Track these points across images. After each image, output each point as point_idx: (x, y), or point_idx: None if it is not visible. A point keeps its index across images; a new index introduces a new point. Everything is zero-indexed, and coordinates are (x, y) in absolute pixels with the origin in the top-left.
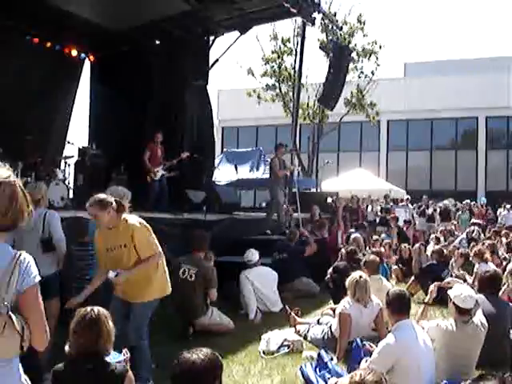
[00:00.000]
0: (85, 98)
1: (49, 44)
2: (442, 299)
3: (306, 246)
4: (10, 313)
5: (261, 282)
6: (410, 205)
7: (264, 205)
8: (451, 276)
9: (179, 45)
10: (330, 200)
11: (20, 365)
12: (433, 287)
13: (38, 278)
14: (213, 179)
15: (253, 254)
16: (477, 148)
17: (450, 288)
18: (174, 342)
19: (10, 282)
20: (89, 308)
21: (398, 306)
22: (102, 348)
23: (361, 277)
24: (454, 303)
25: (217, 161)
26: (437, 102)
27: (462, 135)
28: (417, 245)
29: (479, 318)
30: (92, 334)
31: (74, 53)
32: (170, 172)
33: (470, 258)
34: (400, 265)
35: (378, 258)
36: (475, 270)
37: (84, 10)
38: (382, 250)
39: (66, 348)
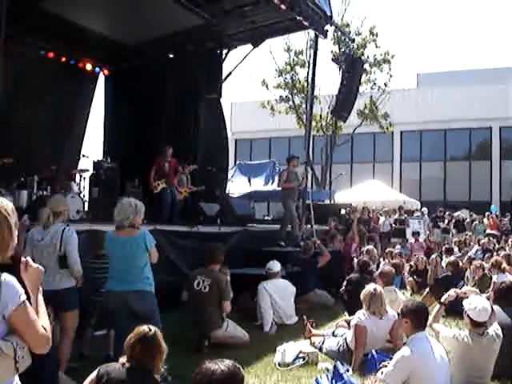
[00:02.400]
0: (99, 112)
1: (64, 58)
2: (457, 311)
3: (319, 257)
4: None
5: (279, 295)
6: (426, 216)
7: (277, 217)
8: None
9: (192, 58)
10: (343, 212)
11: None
12: (452, 292)
13: (23, 297)
14: (226, 192)
15: (274, 264)
16: (491, 158)
17: (466, 298)
18: (189, 354)
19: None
20: (146, 325)
21: (418, 319)
22: (156, 365)
23: (375, 289)
24: (468, 316)
25: (230, 173)
26: (450, 112)
27: (475, 146)
28: (433, 256)
29: (495, 328)
30: (151, 351)
31: (89, 67)
32: (197, 187)
33: (486, 270)
34: (415, 276)
35: (393, 270)
36: (494, 280)
37: (98, 25)
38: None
39: (125, 359)
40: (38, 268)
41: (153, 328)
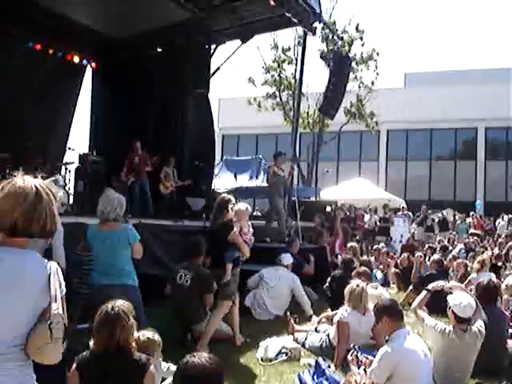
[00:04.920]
0: (86, 105)
1: (51, 51)
2: (439, 308)
3: (305, 263)
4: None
5: (275, 283)
6: (410, 214)
7: (263, 213)
8: None
9: (181, 53)
10: (329, 209)
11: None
12: (441, 282)
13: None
14: (213, 187)
15: (286, 256)
16: (476, 158)
17: (451, 293)
18: (173, 347)
19: (56, 291)
20: (109, 304)
21: (394, 314)
22: (124, 343)
23: (358, 285)
24: (452, 311)
25: (217, 169)
26: (437, 112)
27: (461, 145)
28: (417, 254)
29: (478, 325)
30: (112, 330)
31: (76, 59)
32: (183, 181)
33: (469, 268)
34: (399, 273)
35: (367, 269)
36: (470, 278)
37: (87, 18)
38: (372, 258)
39: (91, 343)
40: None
41: (117, 305)
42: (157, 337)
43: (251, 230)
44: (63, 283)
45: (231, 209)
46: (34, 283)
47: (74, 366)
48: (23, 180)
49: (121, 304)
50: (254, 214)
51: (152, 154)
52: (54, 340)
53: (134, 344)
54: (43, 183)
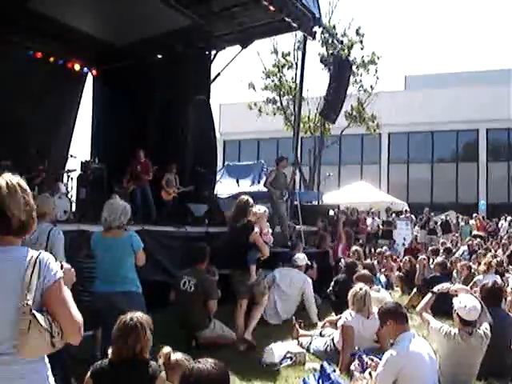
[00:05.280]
0: (87, 112)
1: (52, 58)
2: (443, 310)
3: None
4: (34, 311)
5: (286, 284)
6: (413, 217)
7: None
8: None
9: (181, 59)
10: (332, 213)
11: (49, 370)
12: (446, 284)
13: (60, 274)
14: (215, 192)
15: (299, 257)
16: (478, 160)
17: (456, 295)
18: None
19: (31, 282)
20: (129, 315)
21: (398, 318)
22: (140, 354)
23: (361, 289)
24: (458, 314)
25: (218, 174)
26: (437, 114)
27: (462, 147)
28: (421, 256)
29: (484, 327)
30: (130, 341)
31: (77, 67)
32: (185, 187)
33: (473, 270)
34: (403, 276)
35: (368, 272)
36: (475, 280)
37: (86, 25)
38: (375, 262)
39: (109, 351)
40: (71, 269)
41: (135, 317)
42: (186, 363)
43: (270, 230)
44: (50, 273)
45: (251, 211)
46: (15, 280)
47: (89, 374)
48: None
49: (140, 316)
50: None
51: (153, 162)
52: (21, 332)
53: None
54: (18, 180)
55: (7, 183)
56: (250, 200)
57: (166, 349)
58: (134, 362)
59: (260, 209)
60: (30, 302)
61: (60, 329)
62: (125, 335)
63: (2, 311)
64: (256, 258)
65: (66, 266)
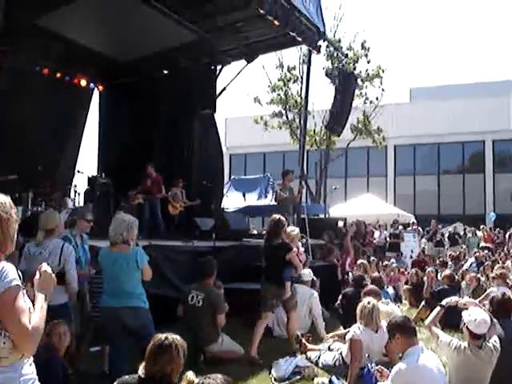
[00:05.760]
0: (94, 127)
1: (59, 74)
2: (452, 324)
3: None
4: None
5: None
6: (420, 229)
7: None
8: None
9: (187, 74)
10: (341, 224)
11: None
12: (455, 298)
13: (16, 282)
14: (221, 206)
15: (305, 273)
16: (484, 171)
17: (466, 309)
18: (185, 369)
19: None
20: (165, 335)
21: (407, 331)
22: (169, 376)
23: (369, 303)
24: (467, 328)
25: (225, 188)
26: (443, 126)
27: (469, 159)
28: (428, 269)
29: (493, 340)
30: (163, 361)
31: (84, 83)
32: (192, 201)
33: (481, 282)
34: (411, 289)
35: (375, 287)
36: (488, 291)
37: (93, 42)
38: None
39: (140, 369)
40: (49, 273)
41: (171, 337)
42: None
43: (302, 249)
44: (2, 281)
45: (284, 231)
46: None
47: None
48: None
49: (176, 338)
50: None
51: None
52: None
53: None
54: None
55: None
56: (282, 219)
57: (190, 374)
58: (162, 382)
59: (293, 230)
60: None
61: (9, 341)
62: (159, 354)
63: None
64: (290, 275)
65: (45, 268)
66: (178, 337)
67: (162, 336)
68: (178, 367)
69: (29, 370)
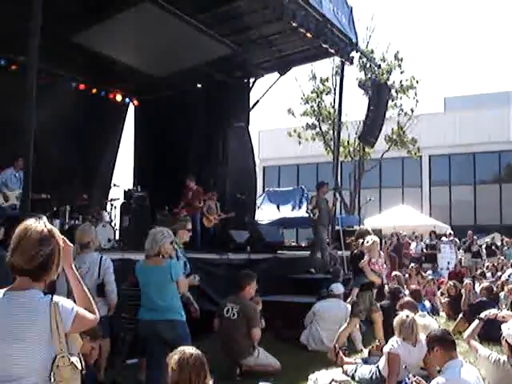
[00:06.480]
0: (129, 141)
1: (94, 90)
2: (490, 337)
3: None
4: (72, 358)
5: (324, 316)
6: (457, 240)
7: (307, 243)
8: None
9: (220, 88)
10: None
11: None
12: (493, 310)
13: (76, 309)
14: (256, 219)
15: (337, 286)
16: None
17: (505, 322)
18: (222, 382)
19: (58, 330)
20: (187, 349)
21: (446, 345)
22: None
23: (407, 316)
24: (506, 341)
25: (259, 200)
26: (478, 135)
27: (505, 168)
28: (466, 281)
29: None
30: (188, 374)
31: (119, 98)
32: (226, 214)
33: None
34: (449, 301)
35: (411, 300)
36: None
37: (128, 57)
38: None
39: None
40: (71, 246)
41: (193, 352)
42: None
43: (380, 260)
44: (65, 316)
45: (366, 240)
46: (42, 323)
47: None
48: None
49: (193, 350)
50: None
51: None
52: (65, 380)
53: None
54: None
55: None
56: (368, 230)
57: None
58: None
59: (369, 240)
60: (65, 350)
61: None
62: (179, 367)
63: (31, 352)
64: (361, 283)
65: (68, 242)
66: (194, 349)
67: (185, 349)
68: (202, 380)
69: None
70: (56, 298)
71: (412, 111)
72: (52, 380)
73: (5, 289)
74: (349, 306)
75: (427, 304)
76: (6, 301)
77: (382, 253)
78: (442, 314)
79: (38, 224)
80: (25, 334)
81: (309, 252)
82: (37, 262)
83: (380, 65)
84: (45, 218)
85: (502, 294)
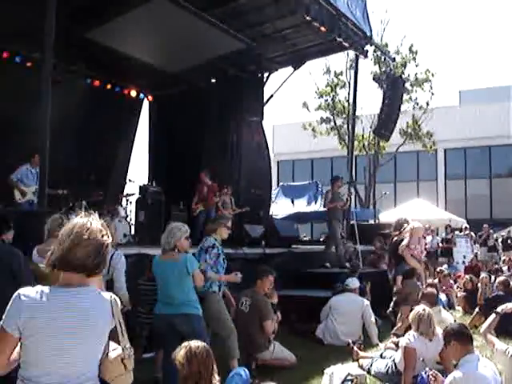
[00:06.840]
0: (144, 137)
1: (109, 86)
2: (506, 331)
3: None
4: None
5: (340, 310)
6: (473, 234)
7: (322, 238)
8: None
9: (234, 82)
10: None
11: None
12: (510, 305)
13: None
14: (270, 213)
15: (352, 280)
16: None
17: None
18: None
19: (122, 326)
20: (193, 342)
21: (463, 340)
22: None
23: (424, 310)
24: None
25: (273, 195)
26: (494, 128)
27: None
28: (482, 275)
29: None
30: (197, 367)
31: (133, 93)
32: (241, 208)
33: None
34: (465, 295)
35: (435, 290)
36: None
37: (142, 53)
38: (436, 281)
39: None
40: None
41: (199, 345)
42: None
43: (419, 246)
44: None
45: (404, 228)
46: (103, 319)
47: None
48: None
49: (198, 344)
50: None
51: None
52: (127, 371)
53: None
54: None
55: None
56: (407, 219)
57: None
58: None
59: (414, 224)
60: (129, 344)
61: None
62: (186, 360)
63: (93, 348)
64: (404, 270)
65: None
66: (199, 342)
67: (191, 343)
68: (207, 374)
69: None
70: (108, 293)
71: (427, 104)
72: (117, 374)
73: (57, 285)
74: (366, 301)
75: (443, 298)
76: (69, 296)
77: (422, 239)
78: (458, 308)
79: (96, 220)
80: (90, 330)
81: (323, 246)
82: (101, 257)
83: (395, 58)
84: (96, 214)
85: None
